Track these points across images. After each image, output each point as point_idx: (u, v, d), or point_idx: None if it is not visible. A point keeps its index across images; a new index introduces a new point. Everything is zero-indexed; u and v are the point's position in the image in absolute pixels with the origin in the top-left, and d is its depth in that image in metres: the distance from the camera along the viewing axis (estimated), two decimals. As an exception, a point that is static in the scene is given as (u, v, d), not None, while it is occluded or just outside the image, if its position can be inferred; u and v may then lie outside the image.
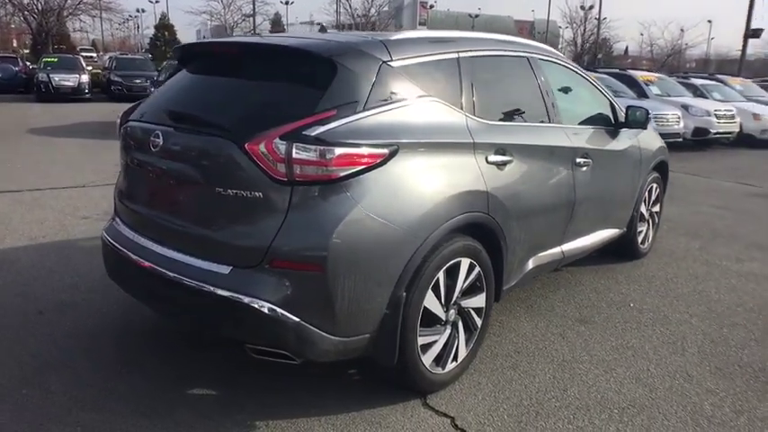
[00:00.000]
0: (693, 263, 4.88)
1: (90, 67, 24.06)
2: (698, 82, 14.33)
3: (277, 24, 47.62)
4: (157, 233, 2.64)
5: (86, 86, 20.02)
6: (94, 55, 44.63)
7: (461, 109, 2.81)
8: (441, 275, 2.61)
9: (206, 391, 2.77)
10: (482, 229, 2.81)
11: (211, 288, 2.31)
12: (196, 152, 2.45)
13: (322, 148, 2.22)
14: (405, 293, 2.45)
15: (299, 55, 2.54)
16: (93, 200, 6.30)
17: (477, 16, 69.36)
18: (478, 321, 2.93)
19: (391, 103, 2.49)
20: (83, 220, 5.50)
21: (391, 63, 2.55)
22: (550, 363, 3.13)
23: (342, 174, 2.25)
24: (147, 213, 2.73)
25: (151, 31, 47.50)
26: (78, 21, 36.47)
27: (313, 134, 2.23)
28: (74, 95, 19.51)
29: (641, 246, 4.84)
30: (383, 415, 2.61)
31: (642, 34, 65.71)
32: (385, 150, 2.36)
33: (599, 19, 39.94)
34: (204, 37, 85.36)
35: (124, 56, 25.19)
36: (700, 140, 12.09)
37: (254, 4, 38.15)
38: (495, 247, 2.92)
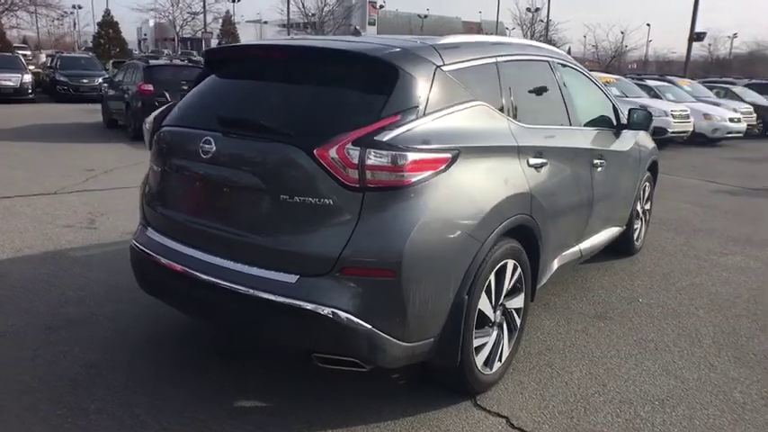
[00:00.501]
0: (684, 257, 5.11)
1: (32, 67, 22.85)
2: (652, 83, 14.97)
3: (228, 23, 46.55)
4: (205, 241, 2.56)
5: (29, 87, 18.98)
6: (29, 53, 42.35)
7: (503, 113, 2.86)
8: (492, 277, 2.65)
9: (254, 402, 2.71)
10: (524, 231, 2.86)
11: (279, 298, 2.26)
12: (257, 159, 2.39)
13: (394, 153, 2.21)
14: (467, 296, 2.47)
15: (359, 59, 2.50)
16: (70, 207, 6.01)
17: (426, 17, 70.03)
18: (518, 321, 2.99)
19: (447, 107, 2.50)
20: (66, 229, 5.24)
21: (444, 68, 2.56)
22: (582, 359, 3.21)
23: (413, 179, 2.24)
24: (190, 221, 2.64)
25: (90, 29, 45.48)
26: (15, 17, 34.53)
27: (385, 139, 2.22)
28: (16, 96, 18.47)
29: (636, 242, 5.03)
30: (440, 418, 2.61)
31: (585, 36, 68.03)
32: (448, 155, 2.37)
33: (547, 21, 41.10)
34: (145, 35, 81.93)
35: (69, 54, 24.05)
36: (657, 140, 12.61)
37: (204, 2, 37.24)
38: (534, 247, 2.98)
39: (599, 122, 4.13)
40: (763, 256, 5.25)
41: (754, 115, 15.74)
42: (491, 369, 2.80)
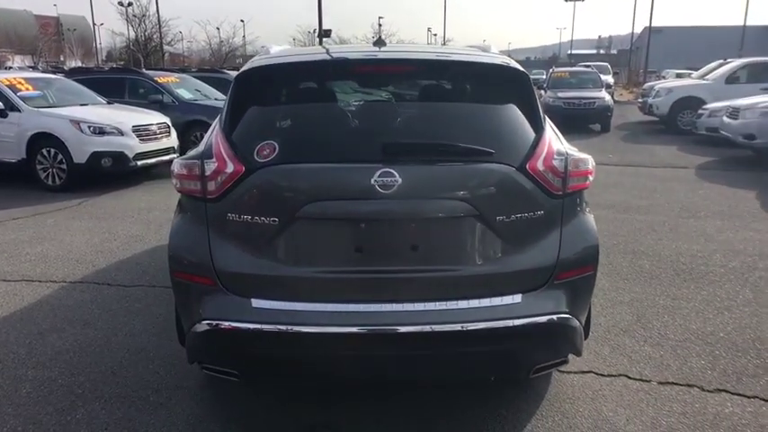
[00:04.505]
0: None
1: None
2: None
3: None
4: (379, 290, 2.22)
5: None
6: None
7: None
8: None
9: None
10: None
11: (513, 321, 2.20)
12: (463, 183, 2.19)
13: (584, 158, 2.38)
14: None
15: (504, 71, 2.49)
16: None
17: (-12, 9, 57.64)
18: None
19: None
20: None
21: None
22: (614, 307, 3.85)
23: (590, 180, 2.45)
24: (344, 272, 2.22)
25: None
26: None
27: (570, 148, 2.37)
28: None
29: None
30: (582, 395, 2.85)
31: (184, 33, 67.80)
32: None
33: (158, 16, 39.29)
34: None
35: None
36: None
37: None
38: None
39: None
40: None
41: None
42: None
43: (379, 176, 2.12)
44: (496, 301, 2.25)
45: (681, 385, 2.97)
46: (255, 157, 2.20)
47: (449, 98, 2.50)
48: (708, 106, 11.99)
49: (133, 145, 7.96)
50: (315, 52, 2.69)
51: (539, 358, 2.39)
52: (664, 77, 28.24)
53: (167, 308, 3.88)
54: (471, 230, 2.24)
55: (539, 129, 2.39)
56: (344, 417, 2.69)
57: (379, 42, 2.81)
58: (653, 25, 37.72)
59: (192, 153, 2.42)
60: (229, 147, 2.25)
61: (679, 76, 24.59)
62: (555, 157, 2.31)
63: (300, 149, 2.26)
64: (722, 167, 9.57)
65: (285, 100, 2.46)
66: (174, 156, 8.71)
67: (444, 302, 2.21)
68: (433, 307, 2.20)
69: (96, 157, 7.64)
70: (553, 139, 2.39)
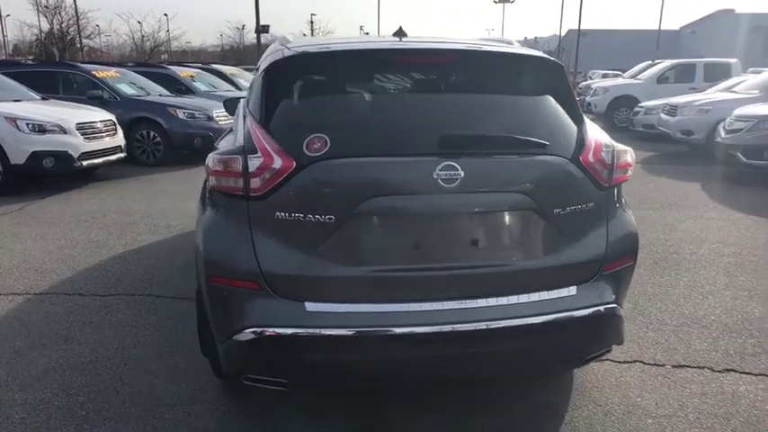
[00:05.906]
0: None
1: None
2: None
3: None
4: (441, 287, 2.14)
5: None
6: None
7: None
8: None
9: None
10: None
11: (573, 313, 2.19)
12: (523, 176, 2.15)
13: (622, 149, 2.40)
14: None
15: (545, 63, 2.47)
16: None
17: None
18: None
19: None
20: None
21: None
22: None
23: (630, 173, 2.48)
24: (403, 270, 2.12)
25: None
26: None
27: (610, 140, 2.39)
28: None
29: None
30: (605, 382, 2.89)
31: (104, 26, 64.19)
32: None
33: (75, 8, 36.81)
34: None
35: None
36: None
37: None
38: None
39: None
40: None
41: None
42: None
43: (441, 170, 2.04)
44: (555, 293, 2.23)
45: (693, 368, 3.07)
46: (305, 151, 2.06)
47: (498, 90, 2.43)
48: (643, 104, 12.65)
49: (78, 144, 7.39)
50: (357, 41, 2.55)
51: (590, 348, 2.39)
52: (590, 78, 29.57)
53: (156, 317, 3.62)
54: (530, 224, 2.20)
55: (579, 121, 2.39)
56: (378, 419, 2.59)
57: (400, 33, 2.72)
58: (575, 28, 39.45)
59: (226, 148, 2.24)
60: (273, 140, 2.10)
61: (605, 76, 25.84)
62: (603, 148, 2.32)
63: (354, 142, 2.12)
64: (664, 162, 10.11)
65: (331, 90, 2.31)
66: (122, 155, 8.22)
67: (506, 297, 2.16)
68: (495, 303, 2.15)
69: (37, 157, 7.04)
70: (597, 131, 2.41)
